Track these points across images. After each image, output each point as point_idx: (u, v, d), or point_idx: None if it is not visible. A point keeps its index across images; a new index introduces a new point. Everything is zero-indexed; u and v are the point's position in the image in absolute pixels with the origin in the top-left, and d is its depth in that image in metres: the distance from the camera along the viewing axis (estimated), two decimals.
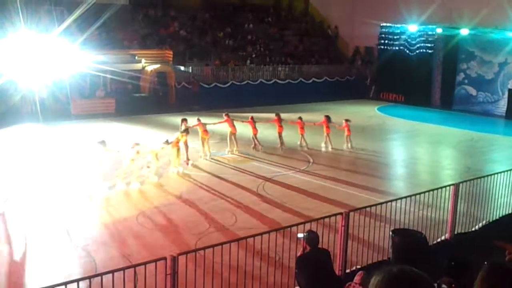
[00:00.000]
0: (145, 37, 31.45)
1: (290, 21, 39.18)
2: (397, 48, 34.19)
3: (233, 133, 19.24)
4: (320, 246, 7.52)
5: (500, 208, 12.17)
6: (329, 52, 38.29)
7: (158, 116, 25.85)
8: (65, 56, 23.18)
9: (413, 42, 33.63)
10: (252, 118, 20.07)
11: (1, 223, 12.07)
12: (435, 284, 5.26)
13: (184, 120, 18.44)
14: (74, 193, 14.52)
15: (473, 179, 11.54)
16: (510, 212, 12.26)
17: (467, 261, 5.82)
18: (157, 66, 29.14)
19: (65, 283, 6.06)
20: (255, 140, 19.90)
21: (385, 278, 2.28)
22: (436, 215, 10.99)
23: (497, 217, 11.91)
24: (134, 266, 6.86)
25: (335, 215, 8.85)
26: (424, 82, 33.44)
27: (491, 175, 12.40)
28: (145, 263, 6.79)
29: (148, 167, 16.03)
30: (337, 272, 8.37)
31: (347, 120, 20.82)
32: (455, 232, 10.78)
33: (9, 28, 22.67)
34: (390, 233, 7.45)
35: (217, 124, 19.51)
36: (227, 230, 11.82)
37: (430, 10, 29.97)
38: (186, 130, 17.63)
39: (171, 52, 30.14)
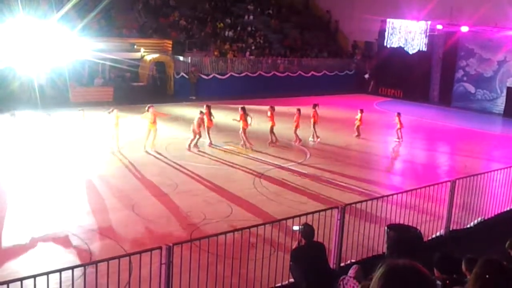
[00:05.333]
0: (145, 25, 31.33)
1: (290, 14, 39.08)
2: (396, 43, 34.10)
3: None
4: (315, 239, 7.53)
5: (495, 206, 12.19)
6: (329, 46, 38.24)
7: (156, 106, 25.64)
8: (64, 42, 23.05)
9: (413, 38, 33.53)
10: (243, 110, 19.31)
11: None
12: None
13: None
14: (69, 180, 14.52)
15: (469, 176, 11.55)
16: (506, 209, 12.29)
17: (457, 257, 5.86)
18: (156, 55, 29.06)
19: (60, 270, 6.06)
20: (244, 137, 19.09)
21: (389, 271, 2.28)
22: (432, 211, 11.01)
23: (493, 215, 11.94)
24: (129, 255, 6.85)
25: (331, 208, 8.86)
26: (423, 78, 33.46)
27: (487, 172, 12.43)
28: (140, 252, 6.79)
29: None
30: (331, 266, 8.38)
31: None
32: (450, 229, 10.80)
33: (7, 13, 22.54)
34: (386, 228, 7.45)
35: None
36: (222, 221, 11.83)
37: (430, 6, 29.89)
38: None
39: (171, 42, 30.04)
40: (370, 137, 21.94)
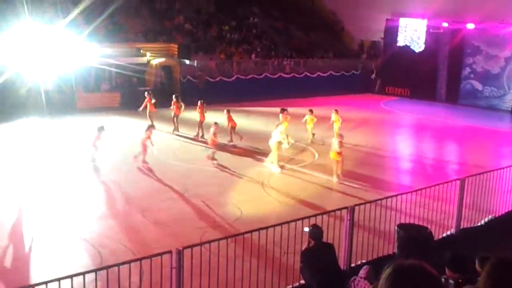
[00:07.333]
0: (150, 30, 31.39)
1: (295, 15, 39.04)
2: (402, 42, 34.00)
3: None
4: (325, 240, 7.51)
5: (506, 203, 12.12)
6: (335, 46, 38.16)
7: (163, 111, 25.71)
8: (70, 48, 23.14)
9: (419, 36, 33.42)
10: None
11: (7, 217, 12.11)
12: (442, 279, 5.26)
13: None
14: (80, 186, 14.57)
15: (479, 174, 11.48)
16: None
17: (469, 256, 5.83)
18: (162, 59, 29.11)
19: (71, 276, 6.08)
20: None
21: (396, 271, 2.27)
22: (442, 210, 10.95)
23: (503, 212, 11.86)
24: (140, 259, 6.86)
25: (341, 209, 8.83)
26: (429, 76, 33.29)
27: (497, 170, 12.35)
28: (150, 257, 6.80)
29: None
30: (342, 267, 8.36)
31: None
32: (461, 227, 10.74)
33: (14, 19, 22.64)
34: (396, 227, 7.42)
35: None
36: (232, 224, 11.84)
37: (436, 4, 29.78)
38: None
39: (176, 46, 30.07)
40: (377, 137, 21.88)
